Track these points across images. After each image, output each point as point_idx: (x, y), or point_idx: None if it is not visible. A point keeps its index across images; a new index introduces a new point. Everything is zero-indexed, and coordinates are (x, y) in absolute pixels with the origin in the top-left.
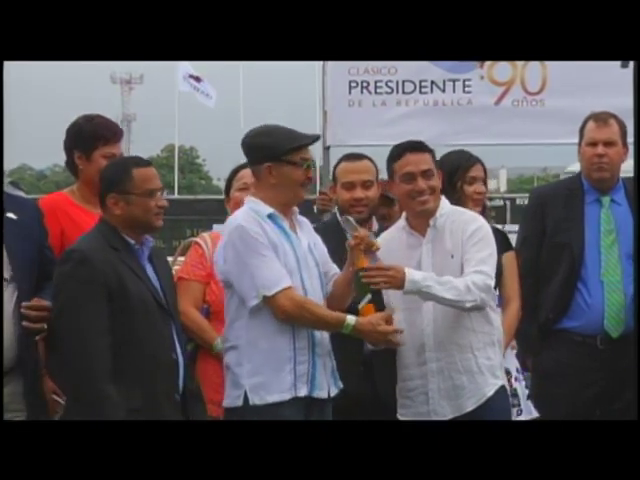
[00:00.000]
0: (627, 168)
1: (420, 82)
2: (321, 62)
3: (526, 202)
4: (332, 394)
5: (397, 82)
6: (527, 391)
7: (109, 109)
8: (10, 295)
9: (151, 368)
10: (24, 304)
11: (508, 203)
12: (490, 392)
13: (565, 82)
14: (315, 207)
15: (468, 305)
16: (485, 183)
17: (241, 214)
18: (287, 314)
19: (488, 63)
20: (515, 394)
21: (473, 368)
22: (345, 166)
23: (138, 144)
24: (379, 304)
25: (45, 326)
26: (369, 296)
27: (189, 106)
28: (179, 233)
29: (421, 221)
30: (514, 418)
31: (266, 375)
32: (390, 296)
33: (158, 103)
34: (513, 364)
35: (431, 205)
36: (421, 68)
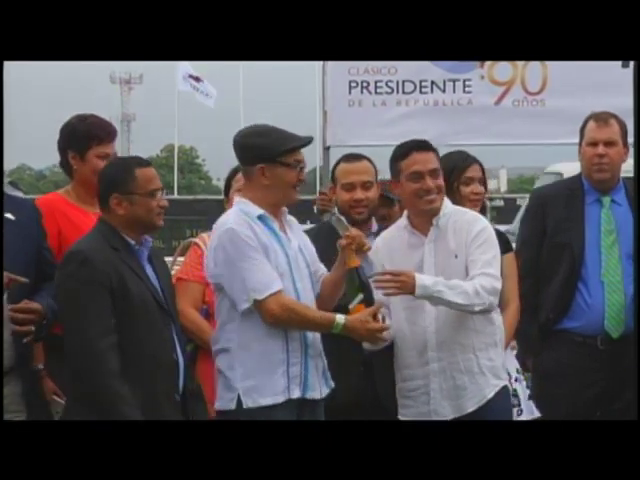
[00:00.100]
0: (627, 168)
1: (420, 82)
2: (321, 62)
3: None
4: (323, 394)
5: (397, 82)
6: (528, 391)
7: (108, 109)
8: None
9: (152, 368)
10: (12, 307)
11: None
12: (491, 393)
13: (565, 82)
14: (315, 207)
15: (477, 309)
16: (484, 183)
17: (232, 216)
18: (275, 318)
19: (488, 63)
20: (515, 394)
21: (474, 369)
22: (344, 167)
23: (138, 144)
24: (370, 304)
25: (32, 328)
26: (360, 296)
27: (189, 106)
28: (178, 233)
29: (424, 220)
30: (514, 418)
31: (259, 378)
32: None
33: (158, 103)
34: (513, 364)
35: (438, 204)
36: (421, 68)
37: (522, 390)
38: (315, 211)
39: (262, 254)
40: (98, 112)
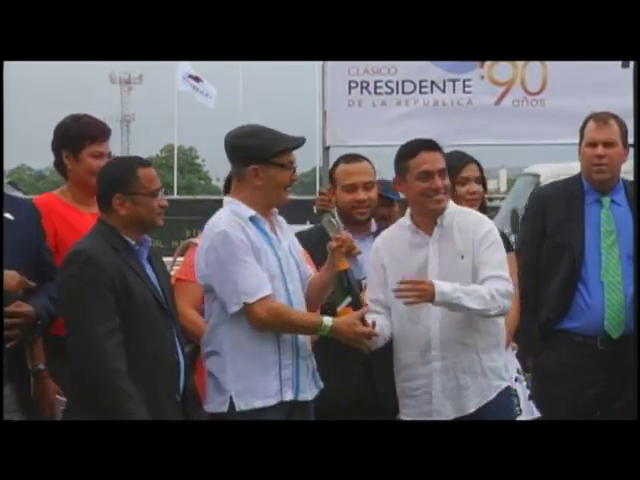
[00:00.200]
0: (627, 169)
1: (420, 82)
2: (321, 62)
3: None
4: (313, 395)
5: (397, 82)
6: (528, 392)
7: (108, 109)
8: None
9: (153, 368)
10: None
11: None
12: (493, 394)
13: (565, 82)
14: (315, 207)
15: (493, 313)
16: (482, 183)
17: (224, 217)
18: (263, 322)
19: (488, 63)
20: (515, 395)
21: (477, 369)
22: (345, 168)
23: (137, 144)
24: (358, 308)
25: (17, 332)
26: (349, 299)
27: (188, 106)
28: (178, 233)
29: (428, 220)
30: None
31: (251, 380)
32: (392, 294)
33: (157, 103)
34: (514, 365)
35: (445, 204)
36: (421, 68)
37: (522, 390)
38: (315, 211)
39: (253, 257)
40: (98, 112)
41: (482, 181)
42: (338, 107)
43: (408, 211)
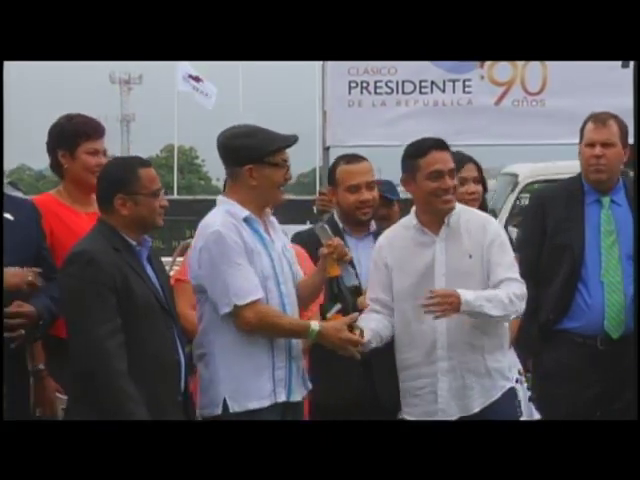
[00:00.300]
0: None
1: (420, 82)
2: (321, 62)
3: (526, 202)
4: (302, 396)
5: (397, 82)
6: (529, 393)
7: (108, 109)
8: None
9: (155, 369)
10: (4, 311)
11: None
12: (497, 395)
13: (565, 82)
14: (315, 207)
15: (512, 317)
16: (482, 182)
17: (219, 218)
18: (251, 326)
19: (488, 63)
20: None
21: (482, 370)
22: (348, 168)
23: (137, 144)
24: (347, 314)
25: (23, 332)
26: (338, 305)
27: (188, 106)
28: (178, 233)
29: (435, 219)
30: None
31: (245, 382)
32: (401, 292)
33: (157, 103)
34: (515, 366)
35: (454, 204)
36: (421, 68)
37: (523, 392)
38: (315, 211)
39: (247, 260)
40: (98, 112)
41: (482, 181)
42: (338, 107)
43: (413, 210)
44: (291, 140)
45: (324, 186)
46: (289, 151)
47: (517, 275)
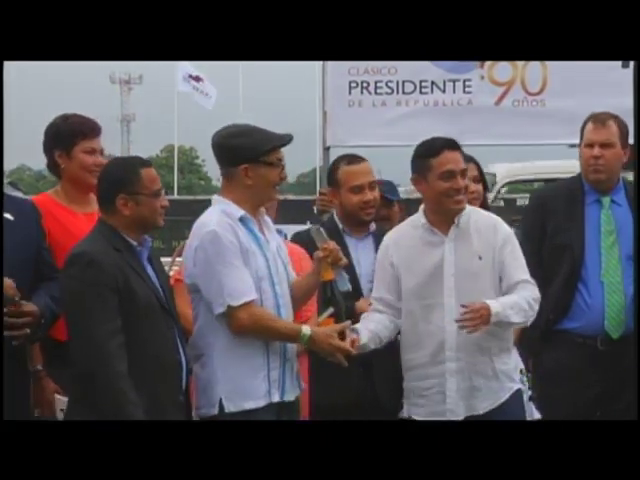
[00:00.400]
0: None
1: (420, 82)
2: (321, 62)
3: (526, 202)
4: (295, 396)
5: (397, 82)
6: (530, 392)
7: (108, 109)
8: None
9: (156, 369)
10: (5, 311)
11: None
12: (505, 396)
13: (565, 82)
14: (315, 208)
15: (530, 322)
16: (481, 182)
17: (214, 217)
18: (244, 328)
19: (488, 63)
20: None
21: (489, 372)
22: (350, 169)
23: (137, 144)
24: (339, 319)
25: (28, 331)
26: (330, 309)
27: (188, 106)
28: (178, 234)
29: (444, 219)
30: None
31: (241, 382)
32: (408, 292)
33: (157, 103)
34: (518, 366)
35: (465, 205)
36: (421, 68)
37: (524, 392)
38: (315, 211)
39: (242, 260)
40: (98, 112)
41: (482, 180)
42: (338, 107)
43: (421, 209)
44: (286, 139)
45: (324, 186)
46: (289, 151)
47: (529, 277)
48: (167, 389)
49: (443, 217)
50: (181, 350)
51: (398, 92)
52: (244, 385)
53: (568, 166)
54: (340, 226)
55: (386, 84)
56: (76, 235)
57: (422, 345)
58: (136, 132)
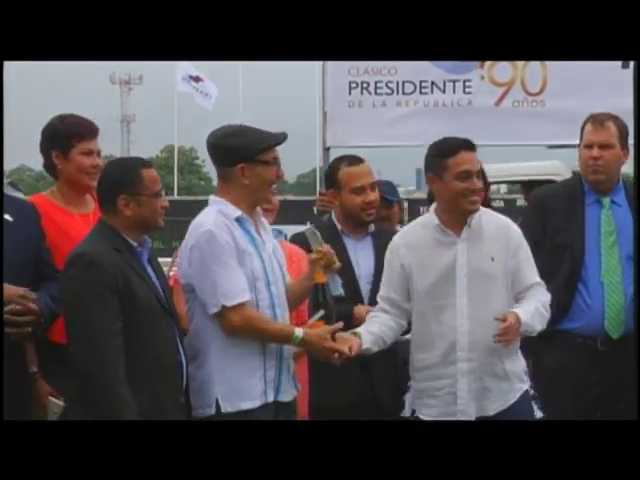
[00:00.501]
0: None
1: (420, 83)
2: (321, 62)
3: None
4: (292, 397)
5: (397, 83)
6: (532, 391)
7: (108, 109)
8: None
9: (156, 369)
10: (6, 309)
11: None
12: (515, 397)
13: (565, 82)
14: (315, 208)
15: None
16: (483, 181)
17: (211, 217)
18: (235, 329)
19: (488, 63)
20: None
21: (500, 373)
22: (351, 170)
23: (137, 144)
24: (330, 322)
25: (29, 329)
26: (321, 312)
27: (188, 106)
28: (178, 234)
29: (457, 219)
30: None
31: (237, 382)
32: (420, 292)
33: (157, 103)
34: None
35: (479, 205)
36: (421, 69)
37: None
38: (315, 212)
39: (237, 261)
40: (98, 112)
41: (483, 179)
42: (338, 108)
43: (432, 209)
44: (280, 138)
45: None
46: (289, 152)
47: (539, 278)
48: (168, 389)
49: (456, 217)
50: (181, 350)
51: (398, 92)
52: (241, 385)
53: (543, 167)
54: (339, 227)
55: (386, 84)
56: (72, 236)
57: (434, 345)
58: (136, 132)
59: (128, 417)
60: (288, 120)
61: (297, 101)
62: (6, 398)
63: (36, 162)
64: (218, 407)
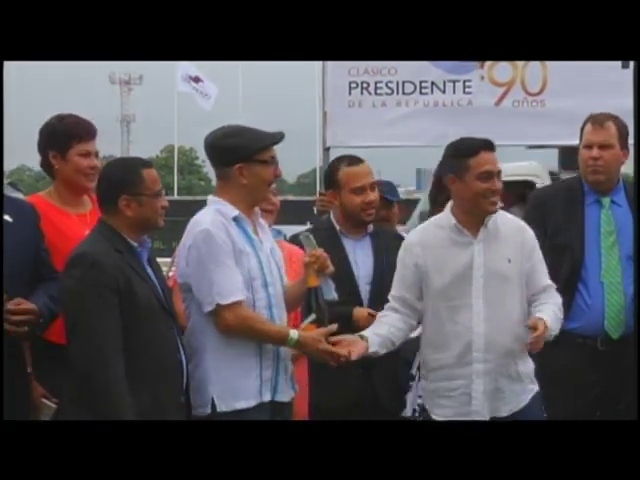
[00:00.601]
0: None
1: (420, 83)
2: (321, 62)
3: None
4: (289, 397)
5: (397, 83)
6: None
7: (108, 110)
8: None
9: (157, 369)
10: (6, 308)
11: None
12: (528, 398)
13: (565, 82)
14: (315, 208)
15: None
16: None
17: (209, 216)
18: (229, 328)
19: (488, 63)
20: None
21: (513, 374)
22: (352, 170)
23: (137, 144)
24: (321, 326)
25: (26, 329)
26: (313, 316)
27: (188, 106)
28: (178, 234)
29: (474, 220)
30: None
31: (233, 381)
32: (435, 292)
33: (157, 103)
34: None
35: (498, 206)
36: (421, 69)
37: None
38: (315, 212)
39: (234, 261)
40: (98, 112)
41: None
42: (338, 108)
43: (448, 209)
44: (278, 137)
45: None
46: (290, 152)
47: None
48: (168, 389)
49: (473, 218)
50: (181, 350)
51: (398, 93)
52: (236, 385)
53: (520, 168)
54: (337, 227)
55: (386, 84)
56: (69, 236)
57: (449, 346)
58: (136, 132)
59: (128, 417)
60: (288, 120)
61: (297, 101)
62: (6, 398)
63: (36, 162)
64: (214, 406)
